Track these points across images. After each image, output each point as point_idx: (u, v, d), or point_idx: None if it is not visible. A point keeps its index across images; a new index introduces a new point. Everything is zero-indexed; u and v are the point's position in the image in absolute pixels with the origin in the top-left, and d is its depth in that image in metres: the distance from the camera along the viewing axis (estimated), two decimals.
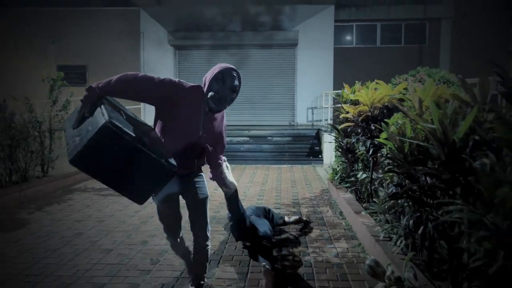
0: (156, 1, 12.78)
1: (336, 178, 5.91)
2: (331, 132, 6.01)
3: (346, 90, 4.95)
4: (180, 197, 2.62)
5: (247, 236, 3.38)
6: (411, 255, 2.26)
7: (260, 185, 7.08)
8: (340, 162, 5.92)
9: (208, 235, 2.71)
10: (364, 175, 4.32)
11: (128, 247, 3.87)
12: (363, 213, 4.09)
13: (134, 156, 2.04)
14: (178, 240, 2.76)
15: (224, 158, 2.81)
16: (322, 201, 5.79)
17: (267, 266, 3.02)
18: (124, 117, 2.21)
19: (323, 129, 10.29)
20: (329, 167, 8.38)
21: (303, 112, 13.36)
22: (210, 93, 2.39)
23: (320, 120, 12.56)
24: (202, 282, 2.79)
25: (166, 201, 2.51)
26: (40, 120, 6.57)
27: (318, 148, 10.29)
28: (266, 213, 4.00)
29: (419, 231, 2.24)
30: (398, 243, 2.91)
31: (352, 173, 4.96)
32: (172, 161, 2.15)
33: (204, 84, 2.45)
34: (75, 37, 13.64)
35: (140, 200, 2.21)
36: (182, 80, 2.43)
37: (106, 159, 2.04)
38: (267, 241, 3.34)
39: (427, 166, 2.13)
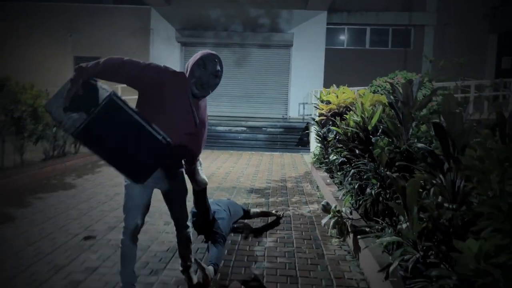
0: (165, 1, 14.04)
1: (315, 161, 7.36)
2: (314, 124, 7.44)
3: (324, 92, 6.35)
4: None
5: (208, 231, 3.38)
6: (348, 198, 3.70)
7: (255, 167, 8.51)
8: (319, 148, 7.36)
9: (188, 224, 2.80)
10: (334, 157, 5.74)
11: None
12: (328, 180, 5.54)
13: (137, 131, 2.07)
14: (134, 242, 2.58)
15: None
16: (304, 179, 7.24)
17: (209, 268, 2.89)
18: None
19: (311, 122, 11.71)
20: (314, 156, 9.82)
21: (295, 106, 14.80)
22: (193, 79, 2.42)
23: (310, 115, 13.98)
24: (189, 263, 2.83)
25: (138, 191, 2.47)
26: None
27: (306, 139, 11.74)
28: (227, 207, 3.86)
29: (349, 176, 3.68)
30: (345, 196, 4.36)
31: (326, 156, 6.39)
32: (167, 138, 2.14)
33: (187, 70, 2.47)
34: (90, 31, 14.93)
35: (141, 179, 2.21)
36: (167, 66, 2.47)
37: (109, 133, 2.07)
38: (221, 238, 3.31)
39: (357, 143, 3.55)
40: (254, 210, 4.46)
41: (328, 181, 5.95)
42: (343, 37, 17.33)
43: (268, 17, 14.18)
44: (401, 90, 2.93)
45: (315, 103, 6.62)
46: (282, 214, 4.60)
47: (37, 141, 6.57)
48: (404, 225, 2.14)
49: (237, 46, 14.79)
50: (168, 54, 14.82)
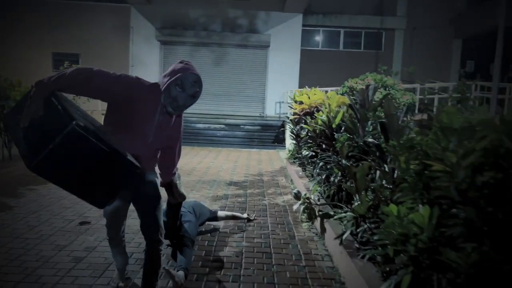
0: (146, 0, 14.32)
1: (290, 156, 7.92)
2: (289, 123, 7.99)
3: (297, 93, 6.91)
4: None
5: (175, 235, 3.31)
6: (316, 186, 4.25)
7: (234, 162, 9.00)
8: (293, 145, 7.92)
9: (161, 238, 2.52)
10: (306, 152, 6.30)
11: None
12: (300, 173, 6.10)
13: (101, 159, 1.94)
14: (121, 241, 2.69)
15: (176, 167, 2.68)
16: (279, 173, 7.78)
17: (179, 273, 2.83)
18: (78, 113, 2.08)
19: (287, 120, 12.31)
20: (289, 152, 10.41)
21: (272, 105, 15.36)
22: (169, 99, 2.28)
23: (286, 113, 14.57)
24: None
25: (118, 202, 2.41)
26: None
27: (282, 136, 12.31)
28: (193, 209, 3.81)
29: (317, 168, 4.23)
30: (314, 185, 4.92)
31: (299, 151, 6.95)
32: (133, 159, 2.07)
33: (163, 84, 2.29)
34: (70, 28, 15.01)
35: (102, 204, 2.15)
36: (140, 78, 2.33)
37: (70, 164, 1.92)
38: (189, 241, 3.27)
39: (323, 138, 4.11)
40: (222, 212, 4.40)
41: (300, 173, 6.50)
42: (318, 39, 18.00)
43: (246, 18, 14.69)
44: (359, 94, 3.49)
45: (290, 103, 7.15)
46: (253, 218, 4.60)
47: None
48: (356, 203, 2.69)
49: (216, 46, 15.22)
50: (147, 52, 15.09)
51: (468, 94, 9.88)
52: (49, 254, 3.40)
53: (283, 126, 12.69)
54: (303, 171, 6.73)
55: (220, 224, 4.39)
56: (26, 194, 5.33)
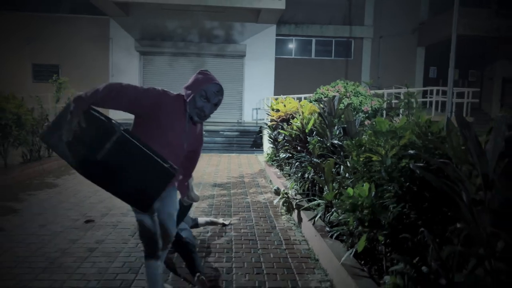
0: (124, 12, 14.75)
1: (268, 159, 8.60)
2: (266, 128, 8.67)
3: (274, 102, 7.60)
4: None
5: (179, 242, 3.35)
6: (293, 183, 4.93)
7: (215, 166, 9.61)
8: (271, 148, 8.60)
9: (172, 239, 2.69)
10: (283, 155, 6.98)
11: None
12: (278, 173, 6.78)
13: (145, 163, 2.08)
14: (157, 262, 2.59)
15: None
16: (259, 175, 8.44)
17: (202, 277, 2.99)
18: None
19: (264, 126, 13.02)
20: (267, 155, 11.10)
21: (249, 112, 16.06)
22: (195, 110, 2.44)
23: (263, 119, 15.28)
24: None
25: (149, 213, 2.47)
26: (47, 113, 8.60)
27: (260, 141, 13.00)
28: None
29: (293, 167, 4.91)
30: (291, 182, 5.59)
31: (277, 154, 7.63)
32: (172, 165, 2.17)
33: (188, 95, 2.45)
34: (49, 39, 15.27)
35: (146, 206, 2.26)
36: (166, 90, 2.45)
37: (118, 168, 2.08)
38: (194, 248, 3.35)
39: (298, 142, 4.79)
40: (202, 219, 4.58)
41: (278, 174, 7.18)
42: (291, 48, 18.85)
43: (223, 29, 15.36)
44: (326, 104, 4.20)
45: (266, 109, 7.81)
46: (229, 222, 4.84)
47: (19, 146, 7.25)
48: (325, 192, 3.37)
49: (193, 56, 15.80)
50: (127, 62, 15.52)
51: (412, 100, 10.84)
52: (64, 247, 3.93)
53: (260, 131, 13.39)
54: (280, 171, 7.41)
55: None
56: (27, 199, 5.78)
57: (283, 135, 6.39)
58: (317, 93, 12.53)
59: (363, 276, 2.78)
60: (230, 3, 12.40)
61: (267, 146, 12.30)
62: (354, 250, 2.89)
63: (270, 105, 7.76)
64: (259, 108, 15.20)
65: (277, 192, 5.01)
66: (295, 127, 4.79)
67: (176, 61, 15.58)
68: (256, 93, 15.82)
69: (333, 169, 3.22)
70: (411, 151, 1.88)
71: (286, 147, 5.17)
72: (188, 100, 2.43)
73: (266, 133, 11.59)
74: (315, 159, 4.11)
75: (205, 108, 2.45)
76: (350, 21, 18.54)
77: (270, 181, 7.67)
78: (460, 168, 1.55)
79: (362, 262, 3.00)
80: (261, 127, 13.62)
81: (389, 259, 2.42)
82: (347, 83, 13.47)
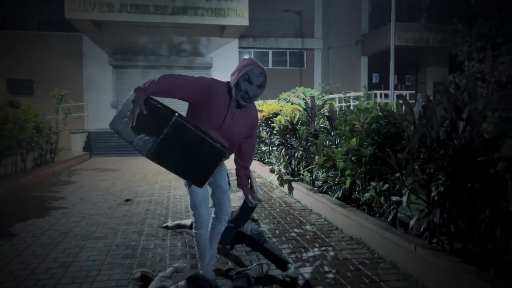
0: (96, 28, 15.74)
1: None
2: None
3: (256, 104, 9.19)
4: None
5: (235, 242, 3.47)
6: (283, 163, 6.54)
7: None
8: None
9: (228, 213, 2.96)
10: (265, 148, 8.57)
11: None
12: (261, 164, 8.37)
13: (199, 144, 2.33)
14: (206, 231, 2.88)
15: (252, 170, 2.98)
16: None
17: (291, 266, 3.04)
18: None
19: None
20: None
21: None
22: (240, 93, 2.55)
23: None
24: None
25: (205, 197, 2.80)
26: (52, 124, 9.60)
27: None
28: None
29: (283, 152, 6.52)
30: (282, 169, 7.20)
31: (259, 149, 9.22)
32: (222, 145, 2.41)
33: (233, 81, 2.58)
34: (23, 56, 15.86)
35: (201, 183, 2.50)
36: (213, 79, 2.67)
37: (176, 149, 2.32)
38: (262, 236, 3.41)
39: (287, 133, 6.41)
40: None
41: (260, 165, 8.77)
42: None
43: (191, 43, 16.79)
44: (309, 102, 5.87)
45: None
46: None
47: (35, 151, 8.28)
48: (317, 158, 5.01)
49: (164, 68, 17.05)
50: (101, 76, 16.45)
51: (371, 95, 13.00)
52: (122, 214, 5.26)
53: None
54: (263, 163, 9.01)
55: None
56: (61, 191, 6.92)
57: (267, 130, 8.00)
58: (280, 99, 14.33)
59: (347, 206, 4.43)
60: (200, 20, 13.87)
61: None
62: (339, 194, 4.56)
63: None
64: None
65: (272, 170, 6.59)
66: (283, 120, 6.40)
67: (148, 74, 16.73)
68: None
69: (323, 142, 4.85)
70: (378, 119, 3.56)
71: (277, 137, 6.75)
72: (233, 85, 2.58)
73: None
74: (303, 142, 5.76)
75: (249, 91, 2.56)
76: (302, 34, 20.64)
77: (254, 171, 9.23)
78: (403, 122, 3.23)
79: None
80: None
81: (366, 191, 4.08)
82: (304, 89, 15.42)
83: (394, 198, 3.29)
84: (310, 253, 3.67)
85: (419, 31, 18.72)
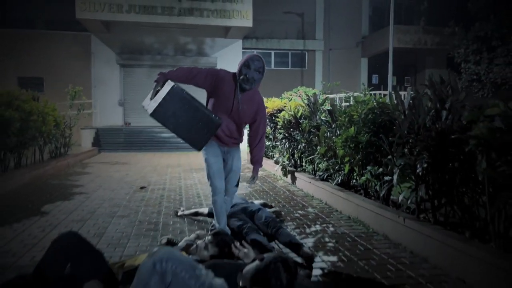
0: (105, 28, 16.22)
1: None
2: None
3: None
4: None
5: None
6: (287, 156, 7.02)
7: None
8: None
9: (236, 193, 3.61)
10: (269, 143, 9.04)
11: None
12: (265, 158, 8.85)
13: (195, 112, 2.90)
14: (221, 198, 3.40)
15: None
16: (247, 162, 10.45)
17: (305, 248, 3.14)
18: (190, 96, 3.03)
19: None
20: (243, 152, 13.14)
21: None
22: (241, 77, 3.10)
23: None
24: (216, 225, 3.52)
25: (217, 158, 3.38)
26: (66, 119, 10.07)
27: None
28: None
29: (286, 144, 7.00)
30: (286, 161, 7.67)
31: None
32: (218, 117, 3.00)
33: (237, 70, 3.17)
34: (34, 54, 16.37)
35: (199, 146, 3.07)
36: (222, 69, 3.24)
37: (173, 111, 2.89)
38: (277, 223, 3.60)
39: (291, 127, 6.88)
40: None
41: (265, 159, 9.24)
42: None
43: (196, 44, 17.27)
44: (312, 98, 6.36)
45: None
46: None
47: (52, 143, 8.75)
48: (319, 148, 5.49)
49: (170, 67, 17.23)
50: (108, 74, 16.95)
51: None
52: (139, 198, 5.74)
53: None
54: (266, 157, 9.48)
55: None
56: (79, 180, 7.40)
57: (271, 125, 8.48)
58: (282, 98, 14.79)
59: (346, 191, 4.91)
60: (205, 21, 14.35)
61: (243, 143, 14.34)
62: (338, 180, 5.03)
63: None
64: None
65: (277, 161, 7.07)
66: (287, 115, 6.87)
67: (154, 73, 17.18)
68: None
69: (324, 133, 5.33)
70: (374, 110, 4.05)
71: (282, 131, 7.23)
72: (237, 72, 3.19)
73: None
74: (306, 135, 6.24)
75: (248, 74, 3.13)
76: (304, 35, 21.13)
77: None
78: (395, 112, 3.71)
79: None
80: None
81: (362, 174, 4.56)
82: (306, 89, 15.89)
83: (386, 178, 3.76)
84: (313, 229, 4.15)
85: (418, 34, 19.20)
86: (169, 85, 2.97)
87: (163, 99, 2.89)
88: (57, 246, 2.18)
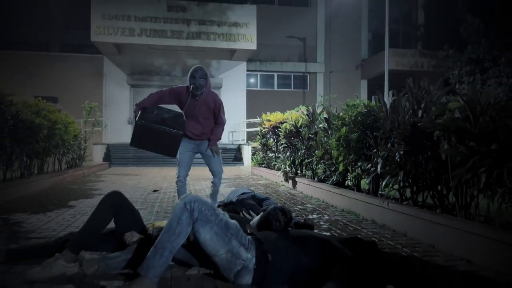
0: (117, 50, 17.18)
1: (255, 164, 11.25)
2: (249, 144, 11.33)
3: (264, 117, 10.34)
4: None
5: None
6: (288, 163, 7.63)
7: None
8: (260, 155, 11.26)
9: (221, 174, 4.57)
10: (272, 155, 9.66)
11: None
12: (268, 170, 9.45)
13: (156, 133, 3.80)
14: (185, 182, 4.42)
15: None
16: (250, 174, 11.04)
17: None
18: (157, 112, 3.88)
19: (243, 144, 15.71)
20: (247, 166, 13.72)
21: (225, 134, 18.70)
22: (191, 86, 3.97)
23: (238, 140, 18.00)
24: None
25: (184, 152, 4.32)
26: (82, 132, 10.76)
27: (240, 156, 15.62)
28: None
29: (287, 153, 7.61)
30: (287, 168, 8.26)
31: (266, 156, 10.30)
32: (180, 130, 3.84)
33: (188, 83, 4.06)
34: (48, 75, 17.27)
35: (172, 155, 3.97)
36: (178, 85, 4.21)
37: (144, 140, 3.85)
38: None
39: (292, 136, 7.51)
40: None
41: (267, 170, 9.84)
42: (257, 81, 21.97)
43: (202, 65, 18.00)
44: (310, 109, 7.02)
45: (261, 121, 10.51)
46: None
47: (69, 154, 9.41)
48: (316, 152, 6.11)
49: None
50: (119, 94, 17.78)
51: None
52: (152, 198, 6.32)
53: (239, 149, 16.03)
54: (269, 168, 10.08)
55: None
56: (97, 185, 8.00)
57: (274, 137, 9.13)
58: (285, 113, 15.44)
59: (340, 188, 5.49)
60: (212, 44, 15.25)
61: (247, 159, 14.97)
62: (334, 179, 5.63)
63: (262, 118, 10.48)
64: (234, 131, 17.92)
65: (279, 168, 7.67)
66: (288, 126, 7.52)
67: None
68: (231, 119, 18.42)
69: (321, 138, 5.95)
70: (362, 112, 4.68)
71: (284, 140, 7.86)
72: (188, 85, 4.09)
73: (246, 149, 14.29)
74: (306, 142, 6.87)
75: (195, 83, 4.00)
76: (305, 58, 22.05)
77: (261, 176, 10.32)
78: (379, 112, 4.34)
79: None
80: (239, 145, 16.29)
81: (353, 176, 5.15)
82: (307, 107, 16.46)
83: (372, 169, 4.36)
84: (310, 217, 4.72)
85: (415, 57, 20.05)
86: (136, 120, 3.92)
87: (132, 135, 3.87)
88: (106, 201, 2.77)
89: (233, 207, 3.31)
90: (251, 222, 2.71)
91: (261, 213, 2.68)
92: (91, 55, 17.66)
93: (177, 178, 4.46)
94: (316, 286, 2.20)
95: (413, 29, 20.89)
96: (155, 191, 7.16)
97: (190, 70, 4.08)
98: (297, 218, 3.83)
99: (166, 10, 15.19)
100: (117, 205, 2.79)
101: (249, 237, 2.44)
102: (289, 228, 2.65)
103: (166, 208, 5.32)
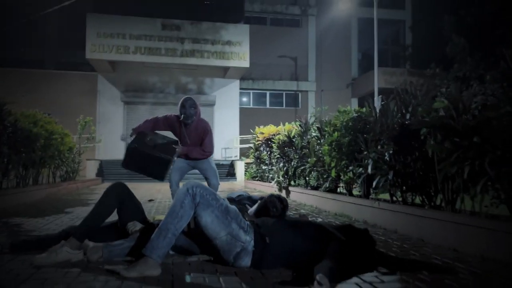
0: (111, 68, 17.39)
1: (248, 177, 11.37)
2: (241, 160, 11.48)
3: (257, 130, 10.52)
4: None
5: None
6: (282, 173, 7.78)
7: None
8: (253, 168, 11.40)
9: (217, 187, 5.00)
10: (265, 167, 9.81)
11: None
12: (261, 182, 9.58)
13: (146, 158, 3.96)
14: (178, 187, 4.68)
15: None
16: (244, 187, 11.14)
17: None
18: (150, 137, 4.13)
19: (236, 159, 15.83)
20: (240, 181, 13.83)
21: (218, 150, 18.81)
22: (181, 116, 4.32)
23: (230, 156, 18.12)
24: None
25: (178, 162, 4.72)
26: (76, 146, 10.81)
27: (233, 171, 15.72)
28: None
29: (281, 163, 7.77)
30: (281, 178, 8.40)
31: (259, 169, 10.44)
32: (169, 155, 4.03)
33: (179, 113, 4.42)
34: (43, 91, 17.38)
35: (161, 178, 4.14)
36: (171, 114, 4.56)
37: (135, 164, 3.99)
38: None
39: (285, 146, 7.69)
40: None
41: (260, 183, 9.97)
42: (249, 99, 22.27)
43: (196, 83, 18.43)
44: (303, 119, 7.22)
45: (253, 136, 10.70)
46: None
47: (63, 167, 9.45)
48: (309, 159, 6.28)
49: (171, 105, 18.54)
50: (113, 111, 17.90)
51: None
52: (149, 207, 6.41)
53: (232, 164, 16.15)
54: (262, 180, 10.21)
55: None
56: (92, 198, 8.05)
57: (267, 150, 9.30)
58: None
59: (333, 193, 5.63)
60: (206, 62, 15.54)
61: (240, 174, 15.08)
62: (326, 185, 5.79)
63: (255, 131, 10.67)
64: (228, 148, 18.06)
65: (273, 178, 7.80)
66: (282, 136, 7.71)
67: (156, 110, 18.17)
68: (224, 135, 18.73)
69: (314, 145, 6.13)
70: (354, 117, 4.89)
71: (277, 152, 8.04)
72: (179, 114, 4.46)
73: (239, 165, 14.42)
74: (299, 151, 7.05)
75: (186, 112, 4.37)
76: (297, 77, 22.48)
77: (255, 189, 10.43)
78: (370, 117, 4.54)
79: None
80: (232, 161, 16.42)
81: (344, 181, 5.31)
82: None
83: (363, 171, 4.53)
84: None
85: (404, 75, 20.57)
86: (129, 144, 4.12)
87: (123, 159, 4.06)
88: (112, 191, 2.89)
89: (232, 203, 3.44)
90: (249, 211, 2.84)
91: (259, 201, 2.82)
92: (86, 73, 17.85)
93: (170, 184, 4.84)
94: (312, 267, 2.32)
95: (401, 49, 21.51)
96: (150, 200, 7.23)
97: (180, 101, 4.43)
98: (292, 215, 3.99)
99: (161, 29, 15.55)
100: (121, 195, 2.92)
101: (248, 222, 2.58)
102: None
103: (163, 213, 5.40)
